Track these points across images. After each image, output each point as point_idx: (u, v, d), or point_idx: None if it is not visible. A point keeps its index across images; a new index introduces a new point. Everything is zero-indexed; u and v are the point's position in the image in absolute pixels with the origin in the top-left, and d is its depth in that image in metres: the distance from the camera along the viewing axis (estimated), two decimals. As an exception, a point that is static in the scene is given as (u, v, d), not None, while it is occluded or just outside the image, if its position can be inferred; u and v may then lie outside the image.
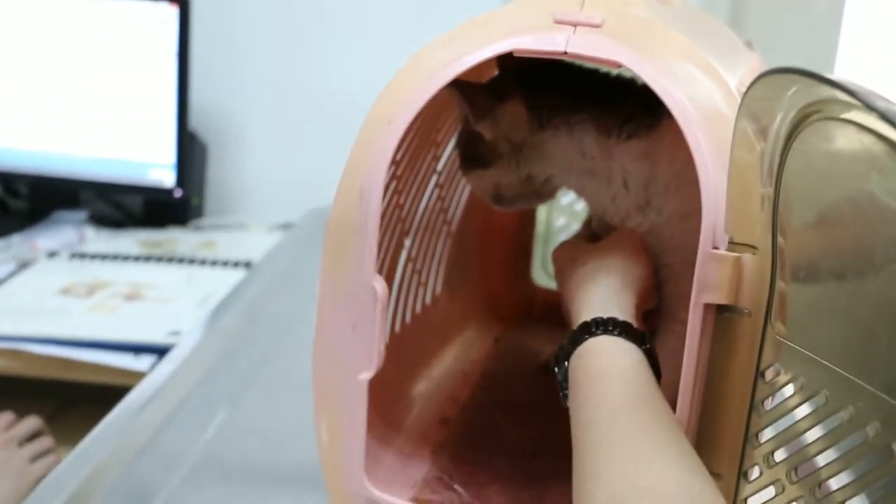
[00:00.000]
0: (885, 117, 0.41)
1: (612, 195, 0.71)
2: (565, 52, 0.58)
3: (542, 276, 1.07)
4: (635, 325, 0.61)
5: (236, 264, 1.43)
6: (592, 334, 0.60)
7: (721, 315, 0.56)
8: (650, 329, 0.66)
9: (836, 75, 0.44)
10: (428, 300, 0.91)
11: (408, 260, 0.84)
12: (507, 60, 0.74)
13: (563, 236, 1.04)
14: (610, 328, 0.60)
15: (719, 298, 0.55)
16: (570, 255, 0.71)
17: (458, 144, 0.78)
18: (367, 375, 0.63)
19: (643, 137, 0.70)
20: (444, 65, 0.61)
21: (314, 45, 1.68)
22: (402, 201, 0.78)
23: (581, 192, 0.75)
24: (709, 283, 0.55)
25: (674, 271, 0.69)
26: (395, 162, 0.72)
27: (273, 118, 1.72)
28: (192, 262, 1.44)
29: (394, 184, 0.74)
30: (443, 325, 0.95)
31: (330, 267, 0.63)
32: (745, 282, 0.55)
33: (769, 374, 0.55)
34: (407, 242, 0.83)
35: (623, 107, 0.70)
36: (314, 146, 1.66)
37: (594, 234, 0.75)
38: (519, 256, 1.07)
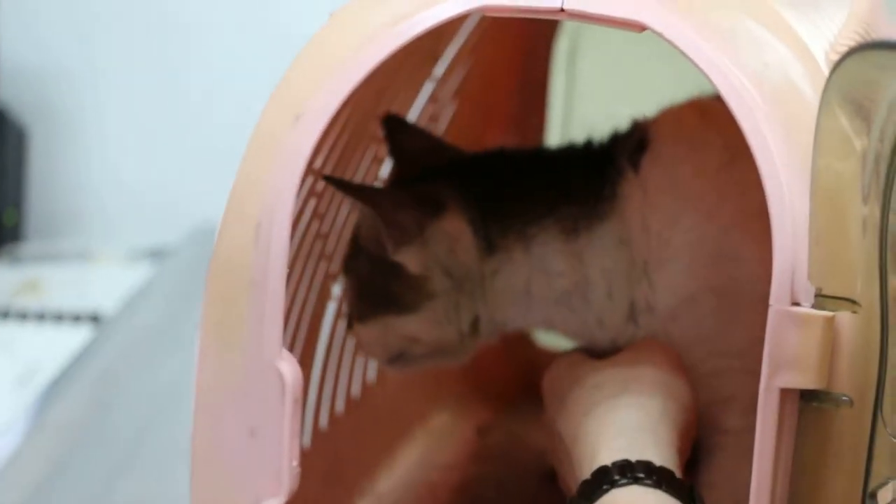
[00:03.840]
0: None
1: (598, 316, 0.75)
2: (562, 9, 0.59)
3: (547, 333, 1.07)
4: (677, 473, 0.63)
5: (77, 318, 1.43)
6: (615, 484, 0.61)
7: (807, 405, 0.57)
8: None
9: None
10: (371, 376, 0.92)
11: (338, 317, 0.85)
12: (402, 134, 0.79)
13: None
14: (641, 476, 0.61)
15: (804, 380, 0.56)
16: (573, 375, 0.72)
17: (349, 272, 0.79)
18: (273, 504, 0.63)
19: (611, 212, 0.74)
20: (385, 26, 0.62)
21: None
22: (325, 229, 0.79)
23: (551, 326, 0.79)
24: (787, 358, 0.56)
25: (702, 372, 0.72)
26: (312, 172, 0.73)
27: (135, 88, 1.72)
28: (4, 315, 1.44)
29: (312, 204, 0.75)
30: (395, 412, 0.96)
31: (212, 342, 0.64)
32: (842, 354, 0.56)
33: (883, 496, 0.56)
34: (336, 290, 0.84)
35: (580, 180, 0.75)
36: (199, 133, 1.67)
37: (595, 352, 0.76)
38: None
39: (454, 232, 0.75)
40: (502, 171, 0.78)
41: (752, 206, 0.70)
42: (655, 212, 0.73)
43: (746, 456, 0.66)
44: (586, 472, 0.63)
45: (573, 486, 0.65)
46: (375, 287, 0.77)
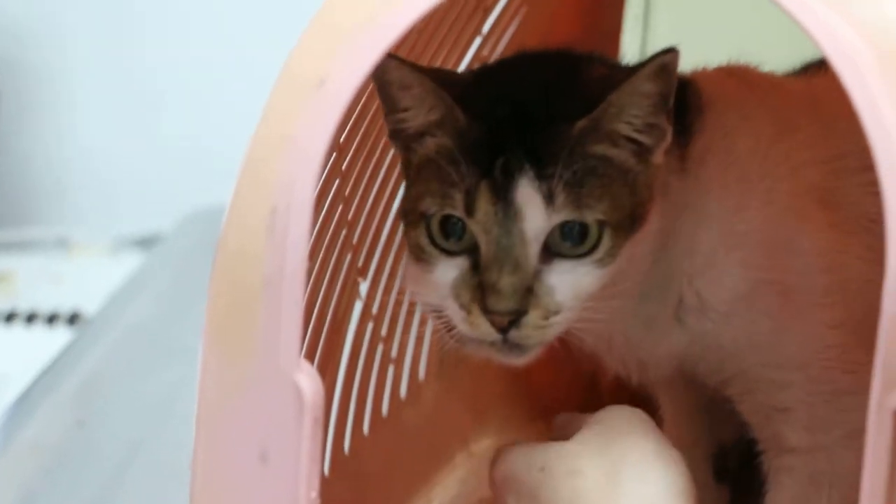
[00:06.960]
0: None
1: (648, 312, 0.74)
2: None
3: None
4: None
5: (52, 319, 1.44)
6: None
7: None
8: None
9: None
10: (403, 391, 0.92)
11: (364, 319, 0.86)
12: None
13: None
14: None
15: (925, 401, 0.56)
16: (534, 463, 0.69)
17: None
18: (288, 544, 0.64)
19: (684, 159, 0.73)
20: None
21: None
22: (352, 216, 0.79)
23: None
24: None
25: (753, 377, 0.74)
26: (337, 148, 0.73)
27: (121, 51, 1.72)
28: (-35, 317, 1.46)
29: (335, 185, 0.76)
30: (432, 434, 0.96)
31: (217, 350, 0.64)
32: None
33: None
34: (364, 288, 0.84)
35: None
36: (191, 101, 1.67)
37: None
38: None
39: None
40: None
41: (803, 188, 0.71)
42: (712, 191, 0.73)
43: (817, 480, 0.70)
44: None
45: None
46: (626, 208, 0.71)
